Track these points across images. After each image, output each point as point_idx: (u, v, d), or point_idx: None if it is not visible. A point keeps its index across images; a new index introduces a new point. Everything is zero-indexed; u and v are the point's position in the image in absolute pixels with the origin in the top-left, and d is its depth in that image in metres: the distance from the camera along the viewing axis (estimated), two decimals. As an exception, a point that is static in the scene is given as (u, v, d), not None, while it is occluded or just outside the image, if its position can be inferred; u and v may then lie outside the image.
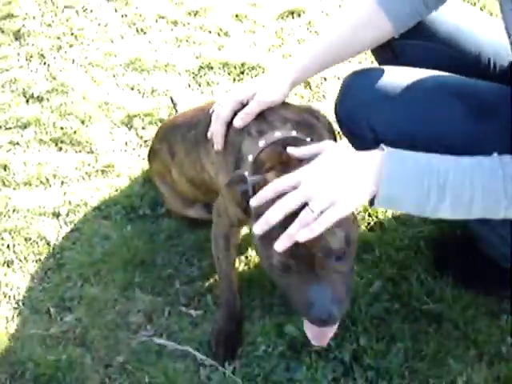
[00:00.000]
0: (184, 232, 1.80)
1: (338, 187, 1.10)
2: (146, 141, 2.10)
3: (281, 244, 1.09)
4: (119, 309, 1.63)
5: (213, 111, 1.42)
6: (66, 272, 1.73)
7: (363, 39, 1.45)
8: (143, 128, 2.15)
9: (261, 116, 1.34)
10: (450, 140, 1.31)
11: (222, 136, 1.38)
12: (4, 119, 2.20)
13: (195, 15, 2.64)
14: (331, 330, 1.24)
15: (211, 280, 1.69)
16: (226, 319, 1.56)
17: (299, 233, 1.08)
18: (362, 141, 1.42)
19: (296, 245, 1.09)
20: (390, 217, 1.80)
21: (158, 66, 2.39)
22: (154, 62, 2.41)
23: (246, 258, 1.72)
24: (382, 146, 1.15)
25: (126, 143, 2.11)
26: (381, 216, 1.80)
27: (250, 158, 1.29)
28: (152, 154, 1.78)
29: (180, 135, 1.61)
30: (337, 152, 1.16)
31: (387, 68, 1.43)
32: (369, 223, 1.79)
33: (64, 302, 1.66)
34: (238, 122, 1.34)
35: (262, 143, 1.29)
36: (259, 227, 1.12)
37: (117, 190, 1.94)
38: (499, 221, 1.31)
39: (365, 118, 1.39)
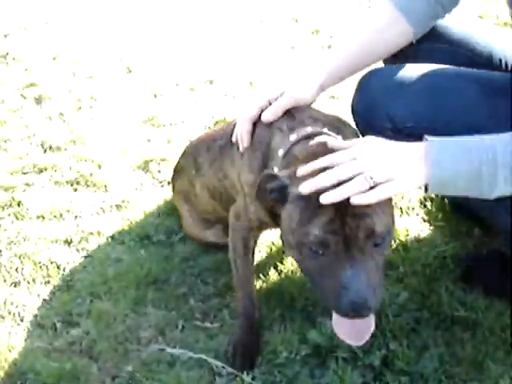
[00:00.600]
0: (200, 255, 1.74)
1: (395, 165, 1.11)
2: (161, 181, 2.10)
3: (329, 197, 1.06)
4: (129, 323, 1.54)
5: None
6: (75, 291, 1.65)
7: (386, 44, 1.49)
8: (159, 171, 2.15)
9: (290, 114, 1.34)
10: (468, 121, 1.30)
11: (249, 132, 1.36)
12: (21, 165, 2.21)
13: (211, 83, 2.75)
14: (367, 327, 1.16)
15: (228, 297, 1.60)
16: (245, 329, 1.46)
17: (354, 196, 1.05)
18: (380, 132, 1.41)
19: (339, 221, 1.07)
20: (413, 238, 1.74)
21: (174, 122, 2.45)
22: (170, 119, 2.46)
23: (265, 275, 1.64)
24: (425, 136, 1.16)
25: (142, 184, 2.10)
26: (403, 238, 1.74)
27: (281, 152, 1.27)
28: (176, 173, 1.78)
29: (205, 147, 1.60)
30: (382, 140, 1.16)
31: (403, 65, 1.46)
32: (391, 246, 1.72)
33: (71, 317, 1.56)
34: (267, 116, 1.34)
35: (293, 137, 1.27)
36: (308, 186, 1.09)
37: (131, 222, 1.90)
38: None
39: (383, 107, 1.39)
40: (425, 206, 1.87)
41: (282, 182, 1.15)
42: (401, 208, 1.87)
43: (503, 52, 1.53)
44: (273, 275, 1.65)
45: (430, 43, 1.52)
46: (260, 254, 1.71)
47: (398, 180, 1.10)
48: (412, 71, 1.41)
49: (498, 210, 1.41)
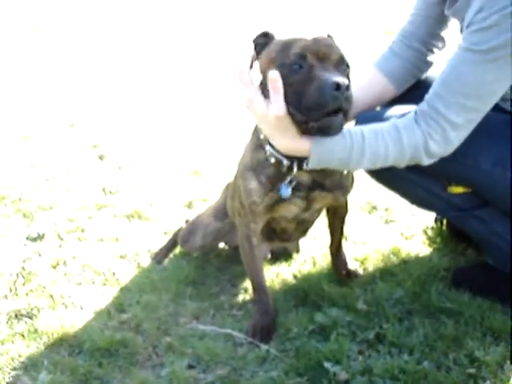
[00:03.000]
0: (231, 266, 2.06)
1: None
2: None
3: None
4: (170, 311, 1.85)
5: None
6: (126, 290, 1.98)
7: (372, 98, 1.83)
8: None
9: None
10: None
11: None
12: (84, 204, 2.62)
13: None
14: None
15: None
16: (261, 314, 1.74)
17: None
18: None
19: (315, 47, 1.43)
20: (413, 257, 2.03)
21: (215, 173, 2.84)
22: (211, 171, 2.86)
23: (284, 279, 1.95)
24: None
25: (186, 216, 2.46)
26: (404, 256, 2.03)
27: None
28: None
29: None
30: None
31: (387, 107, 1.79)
32: (393, 261, 2.02)
33: (122, 306, 1.89)
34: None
35: None
36: None
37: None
38: (500, 222, 1.62)
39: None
40: (426, 233, 2.16)
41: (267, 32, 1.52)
42: (406, 236, 2.18)
43: None
44: (291, 279, 1.95)
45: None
46: (280, 264, 2.03)
47: None
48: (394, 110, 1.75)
49: (494, 235, 1.73)
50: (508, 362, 1.53)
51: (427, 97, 1.54)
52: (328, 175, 1.63)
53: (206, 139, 3.29)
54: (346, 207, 1.87)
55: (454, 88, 1.50)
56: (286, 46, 1.46)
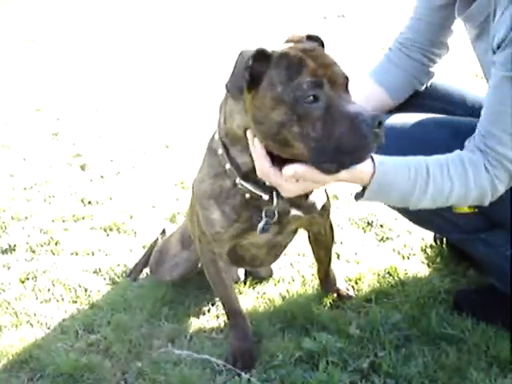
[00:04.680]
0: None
1: None
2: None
3: None
4: (144, 332, 1.69)
5: None
6: (98, 308, 1.82)
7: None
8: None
9: None
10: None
11: None
12: (61, 215, 2.46)
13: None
14: None
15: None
16: (239, 339, 1.58)
17: None
18: None
19: (322, 70, 1.18)
20: (411, 277, 1.87)
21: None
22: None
23: (270, 299, 1.79)
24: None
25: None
26: (402, 276, 1.87)
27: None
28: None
29: None
30: None
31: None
32: (389, 282, 1.86)
33: (92, 326, 1.73)
34: None
35: None
36: None
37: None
38: (508, 247, 1.46)
39: None
40: (425, 252, 2.01)
41: (263, 49, 1.20)
42: (403, 255, 2.02)
43: (476, 99, 1.72)
44: (278, 299, 1.79)
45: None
46: (268, 284, 1.87)
47: None
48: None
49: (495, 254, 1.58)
50: (517, 396, 1.37)
51: (481, 131, 1.38)
52: (303, 194, 1.42)
53: (192, 151, 3.13)
54: (332, 234, 1.68)
55: (504, 124, 1.34)
56: (291, 71, 1.18)
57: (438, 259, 1.95)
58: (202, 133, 3.29)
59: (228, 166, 1.38)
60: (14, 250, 2.19)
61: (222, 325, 1.71)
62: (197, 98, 4.01)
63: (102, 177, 2.83)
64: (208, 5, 7.63)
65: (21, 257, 2.15)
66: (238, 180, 1.37)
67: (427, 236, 2.06)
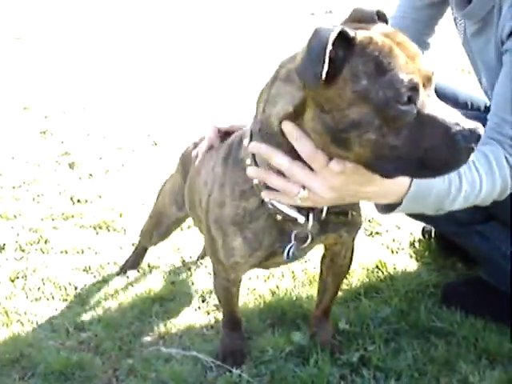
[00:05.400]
0: (204, 281, 1.90)
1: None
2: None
3: None
4: (134, 329, 1.69)
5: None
6: (88, 306, 1.81)
7: None
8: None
9: None
10: None
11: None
12: (50, 213, 2.45)
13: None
14: None
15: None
16: (231, 337, 1.57)
17: None
18: None
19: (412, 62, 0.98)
20: (400, 272, 1.88)
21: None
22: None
23: (260, 296, 1.80)
24: None
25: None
26: (391, 271, 1.88)
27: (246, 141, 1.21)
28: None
29: None
30: None
31: None
32: (378, 276, 1.87)
33: (83, 324, 1.72)
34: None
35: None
36: None
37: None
38: (503, 239, 1.47)
39: None
40: (414, 246, 2.02)
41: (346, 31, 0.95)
42: (392, 250, 2.03)
43: (469, 95, 1.74)
44: (268, 295, 1.79)
45: None
46: (258, 280, 1.87)
47: None
48: None
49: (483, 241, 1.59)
50: (505, 387, 1.39)
51: (495, 120, 1.34)
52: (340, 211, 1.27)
53: (181, 148, 3.13)
54: (350, 261, 1.49)
55: None
56: (380, 62, 0.95)
57: (427, 253, 1.96)
58: (190, 130, 3.30)
59: (256, 181, 1.20)
60: (4, 248, 2.18)
61: (213, 321, 1.71)
62: (185, 95, 4.02)
63: (90, 175, 2.82)
64: (193, 1, 7.62)
65: (10, 256, 2.14)
66: (270, 201, 1.20)
67: (415, 230, 2.07)
